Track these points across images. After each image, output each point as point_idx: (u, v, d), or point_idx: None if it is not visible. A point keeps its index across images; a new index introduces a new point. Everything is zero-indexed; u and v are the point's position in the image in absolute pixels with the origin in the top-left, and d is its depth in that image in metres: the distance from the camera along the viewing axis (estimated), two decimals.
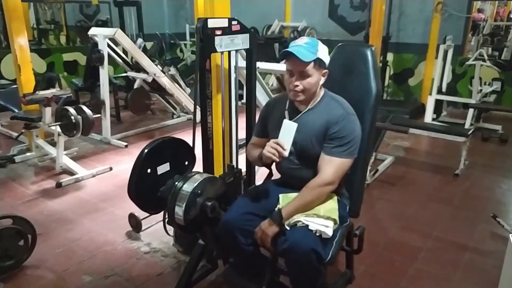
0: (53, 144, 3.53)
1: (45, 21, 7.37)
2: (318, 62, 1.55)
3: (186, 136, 1.98)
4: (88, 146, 4.15)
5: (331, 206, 1.56)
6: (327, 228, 1.48)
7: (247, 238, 1.62)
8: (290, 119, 1.62)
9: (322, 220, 1.50)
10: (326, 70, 1.60)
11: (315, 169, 1.58)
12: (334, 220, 1.52)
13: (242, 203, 1.69)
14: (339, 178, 1.57)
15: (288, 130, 1.53)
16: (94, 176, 3.38)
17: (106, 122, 4.24)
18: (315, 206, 1.55)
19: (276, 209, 1.58)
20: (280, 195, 1.63)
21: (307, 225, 1.48)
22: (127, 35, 4.79)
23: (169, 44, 7.23)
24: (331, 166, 1.54)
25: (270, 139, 1.60)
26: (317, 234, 1.47)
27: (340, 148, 1.54)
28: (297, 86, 1.55)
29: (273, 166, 1.79)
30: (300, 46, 1.53)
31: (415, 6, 5.79)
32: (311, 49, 1.53)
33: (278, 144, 1.52)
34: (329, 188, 1.55)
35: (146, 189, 1.76)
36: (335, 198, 1.62)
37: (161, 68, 4.62)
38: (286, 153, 1.52)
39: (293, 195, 1.61)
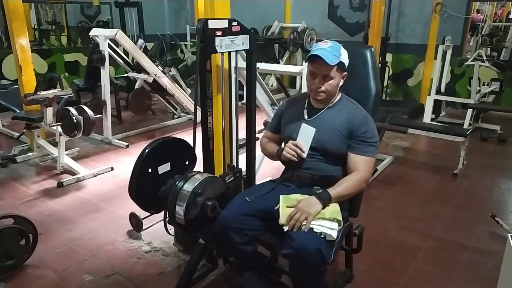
0: (54, 144, 3.54)
1: (46, 21, 7.38)
2: (340, 66, 1.64)
3: (186, 136, 2.00)
4: (89, 146, 4.16)
5: (335, 208, 1.57)
6: (332, 230, 1.49)
7: (243, 237, 1.63)
8: (309, 117, 1.73)
9: (328, 223, 1.51)
10: (346, 73, 1.69)
11: (330, 162, 1.69)
12: (339, 221, 1.53)
13: (239, 203, 1.70)
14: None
15: (307, 133, 1.67)
16: (95, 176, 3.39)
17: (107, 122, 4.25)
18: (351, 196, 1.66)
19: (276, 207, 1.59)
20: (281, 196, 1.63)
21: (311, 228, 1.49)
22: (128, 36, 4.81)
23: (170, 44, 7.24)
24: (367, 165, 1.65)
25: (283, 135, 1.81)
26: (322, 236, 1.48)
27: (371, 148, 1.65)
28: (320, 87, 1.64)
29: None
30: (325, 50, 1.60)
31: (414, 7, 5.80)
32: (335, 52, 1.61)
33: (297, 146, 1.65)
34: (365, 184, 1.67)
35: (147, 189, 1.78)
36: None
37: (161, 69, 4.63)
38: (304, 155, 1.66)
39: (294, 196, 1.63)
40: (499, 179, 3.42)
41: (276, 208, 1.59)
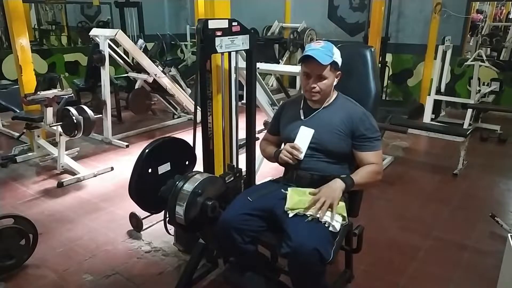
0: (55, 144, 3.54)
1: (46, 21, 7.38)
2: (334, 65, 1.65)
3: (186, 136, 2.00)
4: (89, 146, 4.16)
5: (341, 204, 1.61)
6: (336, 222, 1.53)
7: (244, 237, 1.64)
8: (305, 117, 1.74)
9: (333, 215, 1.55)
10: (339, 72, 1.70)
11: (330, 161, 1.69)
12: (344, 217, 1.59)
13: (240, 202, 1.71)
14: None
15: (305, 135, 1.67)
16: (95, 176, 3.39)
17: (107, 122, 4.25)
18: (369, 187, 1.74)
19: (286, 205, 1.59)
20: (289, 189, 1.65)
21: (317, 217, 1.52)
22: (128, 36, 4.82)
23: (170, 45, 7.24)
24: (379, 158, 1.69)
25: (282, 137, 1.82)
26: (326, 225, 1.51)
27: (377, 142, 1.69)
28: (314, 87, 1.65)
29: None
30: (317, 50, 1.61)
31: (414, 7, 5.81)
32: (328, 52, 1.63)
33: (294, 148, 1.65)
34: (381, 176, 1.69)
35: (147, 189, 1.78)
36: (342, 196, 1.66)
37: (161, 69, 4.63)
38: (301, 156, 1.65)
39: (303, 189, 1.65)
40: (499, 179, 3.42)
41: (282, 198, 1.61)
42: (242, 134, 2.14)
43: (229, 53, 1.94)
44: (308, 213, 1.54)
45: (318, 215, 1.52)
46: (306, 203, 1.55)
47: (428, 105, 4.94)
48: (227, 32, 1.85)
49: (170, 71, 5.52)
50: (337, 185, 1.57)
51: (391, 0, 5.56)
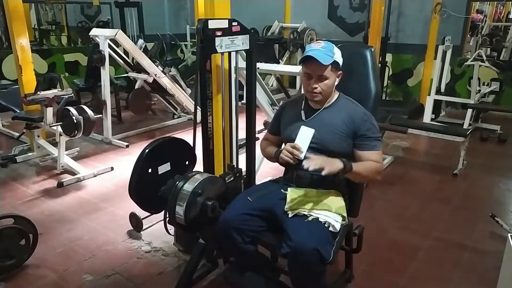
0: (55, 144, 3.54)
1: (46, 21, 7.38)
2: (335, 65, 1.65)
3: (186, 136, 2.00)
4: (89, 146, 4.16)
5: (341, 204, 1.63)
6: (336, 222, 1.55)
7: (244, 237, 1.64)
8: (306, 118, 1.73)
9: (333, 215, 1.58)
10: (340, 72, 1.69)
11: None
12: (343, 217, 1.61)
13: (240, 203, 1.71)
14: None
15: (305, 135, 1.66)
16: (95, 176, 3.39)
17: (107, 122, 4.25)
18: (364, 181, 1.76)
19: (287, 205, 1.61)
20: (289, 189, 1.67)
21: (317, 217, 1.53)
22: (128, 36, 4.81)
23: (170, 45, 7.24)
24: (379, 157, 1.69)
25: (282, 137, 1.81)
26: (326, 225, 1.53)
27: (378, 142, 1.69)
28: (315, 88, 1.65)
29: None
30: (318, 50, 1.61)
31: (414, 7, 5.81)
32: (328, 52, 1.62)
33: (294, 148, 1.64)
34: (380, 176, 1.70)
35: (147, 189, 1.78)
36: (342, 196, 1.68)
37: (161, 69, 4.63)
38: (302, 156, 1.64)
39: (303, 189, 1.67)
40: (499, 179, 3.42)
41: (282, 198, 1.63)
42: (242, 134, 2.14)
43: (229, 53, 1.94)
44: (308, 212, 1.56)
45: (318, 215, 1.54)
46: (306, 203, 1.57)
47: (428, 105, 4.93)
48: (227, 32, 1.85)
49: (170, 71, 5.53)
50: (337, 162, 1.56)
51: (391, 0, 5.56)
